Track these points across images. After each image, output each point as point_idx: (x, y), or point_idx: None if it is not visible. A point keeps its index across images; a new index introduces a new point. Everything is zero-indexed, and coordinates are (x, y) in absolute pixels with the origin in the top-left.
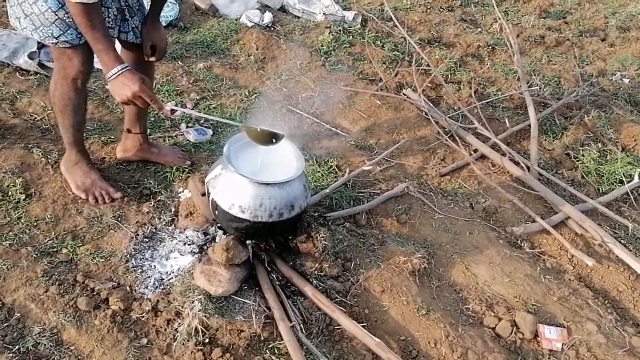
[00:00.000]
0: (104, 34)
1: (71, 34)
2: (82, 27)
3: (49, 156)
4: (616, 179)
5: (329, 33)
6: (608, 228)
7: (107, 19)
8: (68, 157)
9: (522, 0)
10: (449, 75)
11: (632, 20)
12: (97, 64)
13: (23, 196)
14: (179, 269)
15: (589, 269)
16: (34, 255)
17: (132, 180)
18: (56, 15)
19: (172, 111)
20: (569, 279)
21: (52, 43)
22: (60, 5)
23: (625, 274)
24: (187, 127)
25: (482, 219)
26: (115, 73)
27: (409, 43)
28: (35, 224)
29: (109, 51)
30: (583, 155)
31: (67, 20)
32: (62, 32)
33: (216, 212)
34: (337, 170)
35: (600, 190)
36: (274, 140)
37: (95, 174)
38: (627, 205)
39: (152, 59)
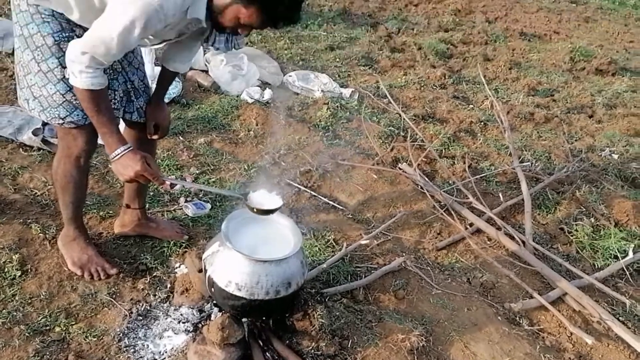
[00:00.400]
0: (109, 117)
1: (77, 115)
2: (89, 111)
3: (47, 231)
4: (611, 254)
5: (327, 109)
6: (606, 304)
7: (112, 100)
8: (66, 232)
9: (510, 79)
10: (443, 150)
11: (618, 98)
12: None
13: (19, 273)
14: (172, 348)
15: (589, 347)
16: (27, 334)
17: (129, 255)
18: (64, 97)
19: (172, 185)
20: (569, 358)
21: (58, 123)
22: (68, 89)
23: (625, 352)
24: (186, 201)
25: (479, 295)
26: (119, 154)
27: (404, 119)
28: (29, 301)
29: (113, 134)
30: (577, 230)
31: (74, 102)
32: (68, 113)
33: (212, 289)
34: (334, 244)
35: (596, 266)
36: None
37: (92, 249)
38: (623, 281)
39: (155, 137)
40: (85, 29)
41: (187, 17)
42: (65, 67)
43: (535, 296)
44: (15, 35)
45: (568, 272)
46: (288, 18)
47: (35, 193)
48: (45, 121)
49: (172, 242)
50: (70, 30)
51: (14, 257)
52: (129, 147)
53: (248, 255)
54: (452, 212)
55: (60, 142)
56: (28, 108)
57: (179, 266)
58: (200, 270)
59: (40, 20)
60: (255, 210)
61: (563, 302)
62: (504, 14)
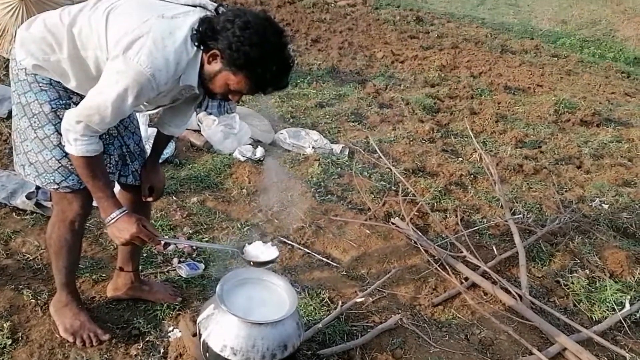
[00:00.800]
0: (105, 182)
1: (72, 180)
2: (84, 177)
3: (38, 297)
4: (608, 306)
5: (318, 165)
6: (606, 359)
7: (108, 164)
8: (58, 298)
9: (497, 132)
10: (435, 204)
11: (604, 148)
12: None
13: (9, 341)
14: None
15: None
16: None
17: (122, 319)
18: (59, 163)
19: (166, 245)
20: None
21: (54, 188)
22: (63, 154)
23: None
24: (179, 262)
25: (478, 352)
26: (114, 218)
27: (395, 173)
28: None
29: (108, 198)
30: (573, 283)
31: (69, 167)
32: (64, 178)
33: (207, 354)
34: (329, 302)
35: (594, 318)
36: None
37: (84, 315)
38: (622, 334)
39: (150, 199)
40: (82, 96)
41: (180, 85)
42: (60, 134)
43: (535, 352)
44: (13, 103)
45: (566, 325)
46: (276, 84)
47: (28, 258)
48: (41, 186)
49: (165, 305)
50: (67, 97)
51: (5, 324)
52: (124, 211)
53: (243, 318)
54: (447, 267)
55: (55, 206)
56: (24, 173)
57: (173, 330)
58: (194, 334)
59: (38, 89)
60: (252, 263)
61: (563, 358)
62: (488, 69)
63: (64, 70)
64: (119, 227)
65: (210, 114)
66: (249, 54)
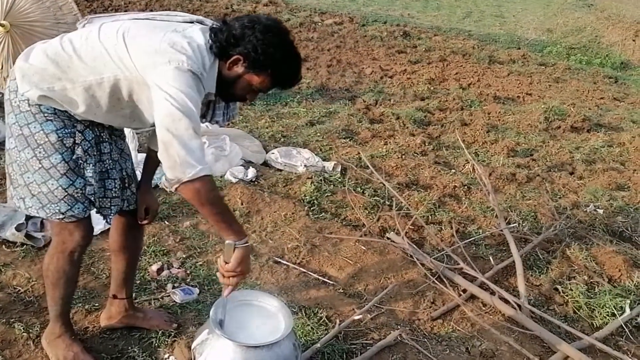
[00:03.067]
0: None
1: (78, 208)
2: (213, 200)
3: (30, 330)
4: (608, 312)
5: (310, 183)
6: None
7: (114, 189)
8: (51, 329)
9: (489, 142)
10: (430, 217)
11: (596, 153)
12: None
13: None
14: None
15: None
16: None
17: (116, 349)
18: (66, 192)
19: (159, 271)
20: None
21: (59, 218)
22: (70, 182)
23: None
24: (174, 287)
25: None
26: (247, 243)
27: (388, 188)
28: None
29: (237, 221)
30: (571, 290)
31: (75, 196)
32: (69, 207)
33: None
34: (327, 321)
35: (594, 325)
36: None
37: (77, 346)
38: (623, 339)
39: (146, 221)
40: (85, 123)
41: (205, 90)
42: (67, 162)
43: None
44: (12, 136)
45: (567, 333)
46: (296, 77)
47: (19, 290)
48: (45, 218)
49: (160, 332)
50: (71, 126)
51: None
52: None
53: (239, 342)
54: (444, 280)
55: (55, 237)
56: (24, 206)
57: (169, 357)
58: None
59: (43, 119)
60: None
61: None
62: (477, 80)
63: (71, 99)
64: (248, 254)
65: (216, 122)
66: (273, 55)
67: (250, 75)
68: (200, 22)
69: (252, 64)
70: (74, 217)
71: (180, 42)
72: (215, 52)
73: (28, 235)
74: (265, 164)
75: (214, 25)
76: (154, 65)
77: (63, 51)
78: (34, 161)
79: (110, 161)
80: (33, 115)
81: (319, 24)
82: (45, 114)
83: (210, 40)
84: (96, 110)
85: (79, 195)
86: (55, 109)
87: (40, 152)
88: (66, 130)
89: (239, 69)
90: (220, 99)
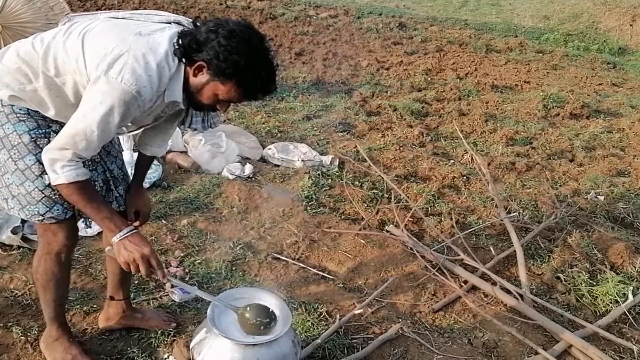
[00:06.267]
0: (102, 202)
1: (57, 210)
2: (80, 203)
3: (28, 334)
4: (611, 299)
5: (308, 178)
6: (613, 353)
7: None
8: (48, 333)
9: (487, 131)
10: (429, 208)
11: (596, 140)
12: (81, 231)
13: None
14: None
15: None
16: None
17: (115, 350)
18: (42, 193)
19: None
20: None
21: (39, 220)
22: (46, 184)
23: None
24: (172, 286)
25: (483, 356)
26: (123, 235)
27: (386, 181)
28: None
29: (113, 216)
30: (573, 278)
31: (53, 197)
32: (48, 208)
33: None
34: (327, 316)
35: (598, 313)
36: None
37: (75, 348)
38: (627, 326)
39: (136, 224)
40: (61, 124)
41: (165, 101)
42: (42, 164)
43: (541, 352)
44: None
45: (570, 322)
46: (265, 89)
47: (16, 294)
48: (25, 219)
49: (159, 332)
50: (46, 126)
51: None
52: (134, 230)
53: (236, 340)
54: (445, 271)
55: (40, 239)
56: (7, 207)
57: (168, 357)
58: None
59: (15, 120)
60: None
61: (569, 355)
62: (474, 69)
63: (41, 99)
64: (127, 245)
65: (195, 129)
66: (238, 63)
67: (215, 84)
68: (178, 23)
69: (216, 72)
70: (54, 219)
71: (136, 49)
72: (179, 57)
73: (24, 238)
74: (262, 159)
75: (184, 29)
76: (95, 67)
77: (34, 51)
78: (10, 163)
79: (90, 162)
80: (6, 116)
81: (314, 17)
82: (18, 115)
83: (175, 44)
84: (65, 113)
85: (57, 196)
86: (28, 109)
87: (14, 154)
88: (40, 130)
89: (204, 76)
90: (192, 107)
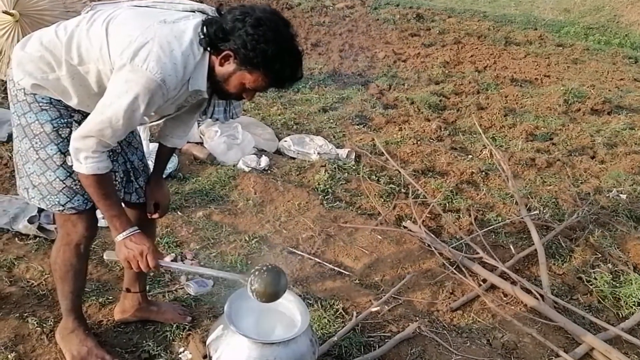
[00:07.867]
0: (116, 200)
1: (78, 200)
2: (95, 196)
3: (44, 325)
4: (634, 301)
5: (324, 171)
6: (636, 357)
7: (115, 181)
8: (64, 324)
9: (507, 126)
10: (447, 204)
11: (617, 137)
12: (99, 222)
13: None
14: None
15: None
16: None
17: (130, 343)
18: (64, 183)
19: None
20: None
21: (59, 210)
22: (67, 174)
23: None
24: (187, 279)
25: (502, 357)
26: (125, 235)
27: (403, 175)
28: None
29: (120, 216)
30: (596, 279)
31: (74, 188)
32: (69, 199)
33: None
34: (344, 313)
35: (620, 315)
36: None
37: (91, 341)
38: None
39: (155, 216)
40: (83, 113)
41: (189, 90)
42: (64, 154)
43: (562, 354)
44: (13, 125)
45: (592, 324)
46: (293, 77)
47: (32, 284)
48: (46, 209)
49: (175, 325)
50: (68, 116)
51: (9, 356)
52: (136, 229)
53: (254, 339)
54: (463, 269)
55: (60, 230)
56: (28, 197)
57: (183, 351)
58: (204, 357)
59: (38, 109)
60: (256, 294)
61: (591, 358)
62: (493, 62)
63: (64, 88)
64: (127, 243)
65: (216, 119)
66: (266, 52)
67: (242, 73)
68: (202, 12)
69: (243, 61)
70: (74, 210)
71: (161, 37)
72: (204, 47)
73: (41, 228)
74: (278, 152)
75: (210, 17)
76: (119, 55)
77: (57, 39)
78: (32, 152)
79: (111, 153)
80: (28, 104)
81: (330, 7)
82: (41, 104)
83: (200, 34)
84: (88, 102)
85: (78, 187)
86: (50, 98)
87: (36, 143)
88: (62, 120)
89: (231, 65)
90: (217, 97)
